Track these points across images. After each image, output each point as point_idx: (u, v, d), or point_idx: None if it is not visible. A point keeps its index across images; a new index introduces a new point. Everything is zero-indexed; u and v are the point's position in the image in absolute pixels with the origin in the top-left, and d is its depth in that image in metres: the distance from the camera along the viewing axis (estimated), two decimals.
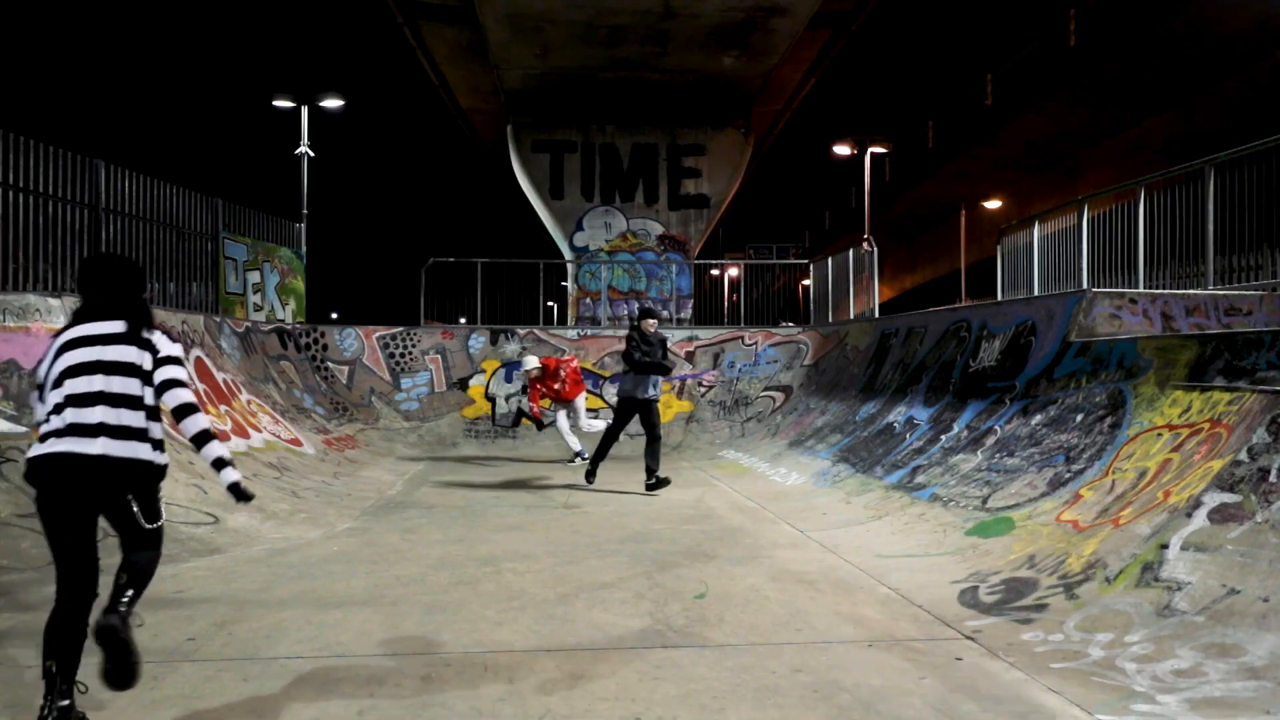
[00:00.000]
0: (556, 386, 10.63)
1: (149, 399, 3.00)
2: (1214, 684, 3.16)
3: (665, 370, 8.79)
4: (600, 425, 10.49)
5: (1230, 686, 3.12)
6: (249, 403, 9.90)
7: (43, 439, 2.95)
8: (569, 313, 20.89)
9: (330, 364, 12.91)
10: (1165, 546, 3.99)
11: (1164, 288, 8.01)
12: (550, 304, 22.63)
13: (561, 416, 10.79)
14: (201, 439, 3.05)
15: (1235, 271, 7.78)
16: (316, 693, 3.33)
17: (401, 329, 13.53)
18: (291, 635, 4.03)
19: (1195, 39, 18.90)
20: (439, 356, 13.43)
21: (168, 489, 5.90)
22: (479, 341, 13.55)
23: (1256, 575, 3.55)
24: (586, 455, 10.72)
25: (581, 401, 10.81)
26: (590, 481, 8.98)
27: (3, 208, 7.87)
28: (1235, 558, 3.70)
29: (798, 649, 3.86)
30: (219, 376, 9.68)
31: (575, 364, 10.96)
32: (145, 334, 3.05)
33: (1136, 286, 8.22)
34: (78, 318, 3.09)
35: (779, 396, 13.42)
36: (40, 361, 3.09)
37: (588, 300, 20.05)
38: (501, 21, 16.47)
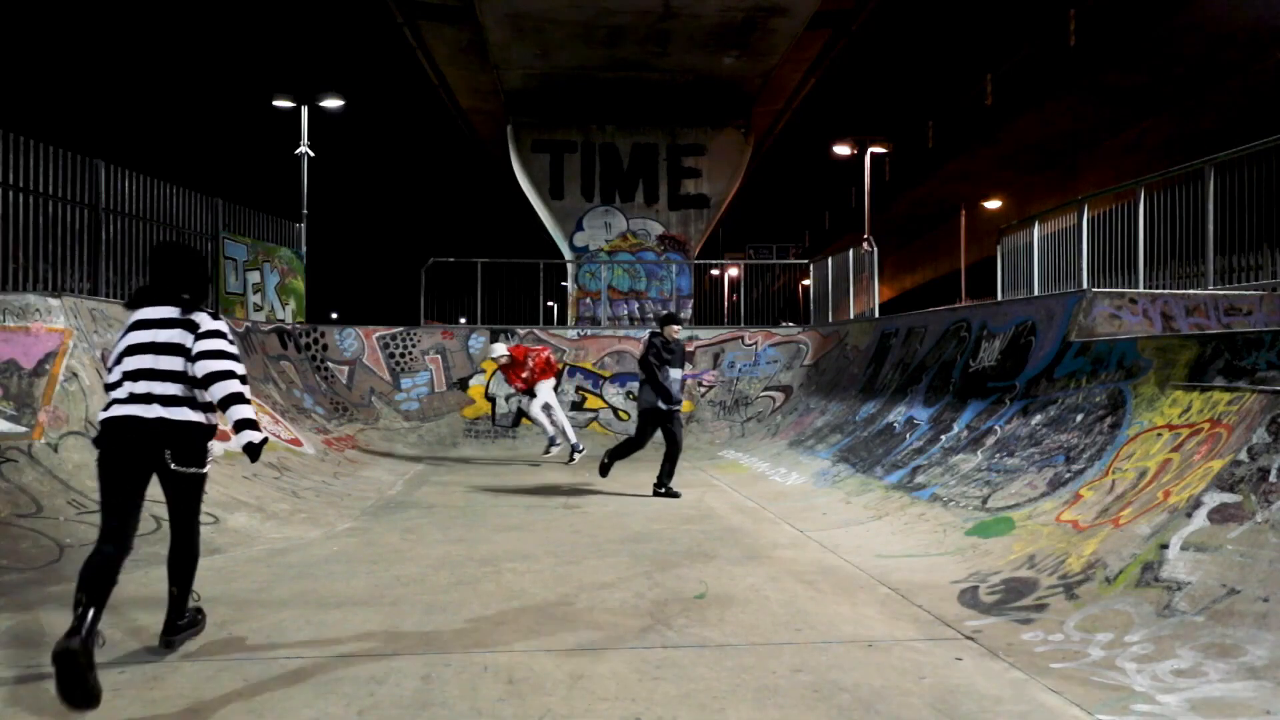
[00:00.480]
0: (525, 375, 10.61)
1: (191, 373, 3.53)
2: (1214, 684, 3.16)
3: (670, 400, 8.27)
4: (556, 422, 10.62)
5: (1230, 686, 3.12)
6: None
7: (107, 406, 3.54)
8: (569, 313, 20.90)
9: (330, 364, 12.91)
10: (1165, 546, 3.99)
11: (1164, 288, 8.01)
12: (550, 304, 22.63)
13: (536, 410, 10.69)
14: (226, 401, 3.55)
15: (1235, 271, 7.78)
16: (316, 693, 3.33)
17: (401, 329, 13.53)
18: (291, 635, 4.03)
19: (1195, 39, 18.91)
20: (439, 356, 13.43)
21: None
22: (479, 341, 13.55)
23: (1256, 575, 3.55)
24: (582, 448, 10.79)
25: (543, 389, 10.66)
26: (604, 475, 8.87)
27: (3, 208, 7.88)
28: (1235, 558, 3.70)
29: (798, 649, 3.86)
30: None
31: (547, 353, 10.82)
32: (192, 316, 3.55)
33: (1136, 286, 8.23)
34: (140, 299, 3.63)
35: (779, 396, 13.42)
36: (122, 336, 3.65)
37: (588, 300, 20.05)
38: (501, 21, 16.47)
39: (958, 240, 32.87)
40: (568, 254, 20.71)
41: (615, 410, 13.38)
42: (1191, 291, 7.68)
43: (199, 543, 3.81)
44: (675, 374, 8.36)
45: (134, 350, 3.54)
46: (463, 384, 13.34)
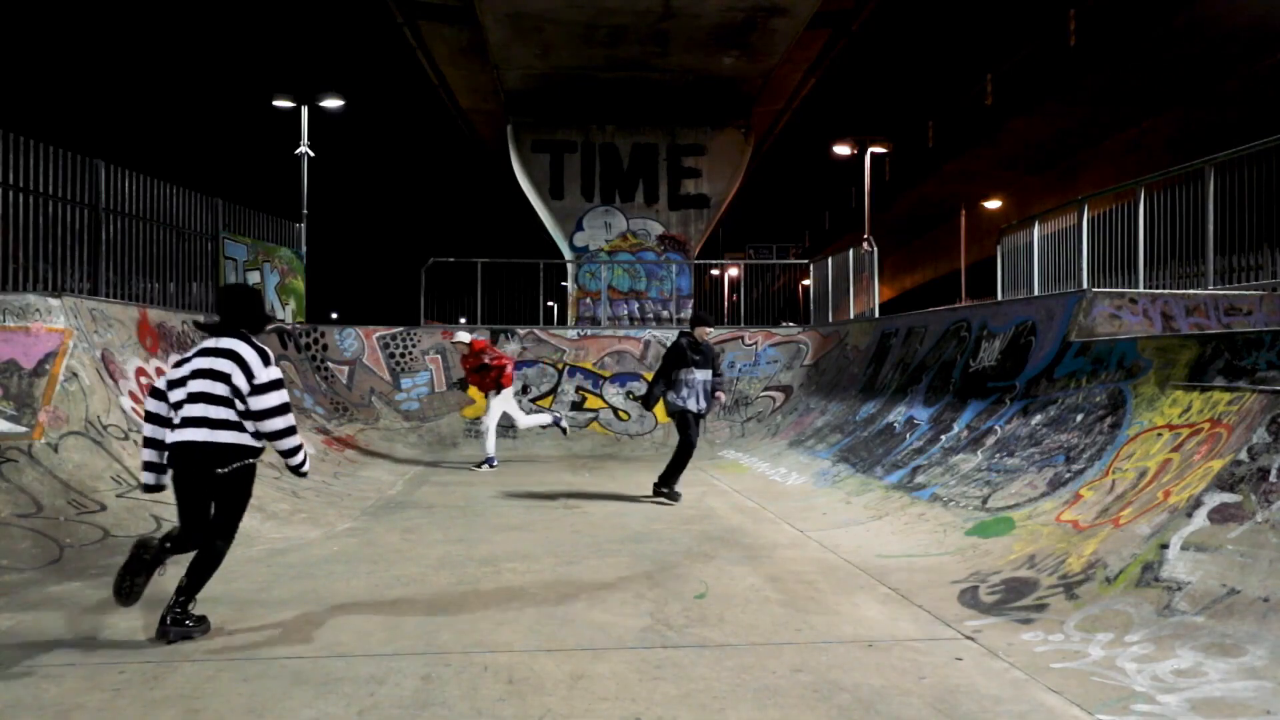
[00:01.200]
0: (476, 372, 10.49)
1: (238, 403, 3.99)
2: (1214, 684, 3.16)
3: (690, 418, 7.97)
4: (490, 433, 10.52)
5: (1230, 686, 3.12)
6: None
7: (174, 427, 4.00)
8: (569, 313, 20.89)
9: (330, 364, 12.90)
10: (1165, 546, 3.99)
11: (1164, 288, 8.01)
12: (550, 304, 22.63)
13: (491, 418, 10.56)
14: (275, 436, 4.12)
15: (1235, 271, 7.78)
16: (316, 693, 3.33)
17: (401, 329, 13.52)
18: (291, 635, 4.03)
19: (1195, 39, 18.91)
20: (439, 356, 13.43)
21: (168, 489, 5.84)
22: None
23: (1257, 575, 3.55)
24: (495, 463, 10.51)
25: (497, 401, 10.49)
26: (674, 499, 8.03)
27: (3, 208, 7.87)
28: (1235, 558, 3.70)
29: (798, 649, 3.86)
30: None
31: (509, 368, 10.57)
32: (244, 354, 4.03)
33: (1136, 286, 8.22)
34: (210, 331, 4.19)
35: (779, 396, 13.42)
36: (178, 364, 4.11)
37: (588, 300, 20.04)
38: (501, 21, 16.46)
39: (958, 240, 32.87)
40: (568, 254, 20.71)
41: (615, 410, 13.38)
42: (1191, 291, 7.68)
43: (228, 546, 4.16)
44: (701, 376, 8.02)
45: (195, 375, 4.02)
46: (463, 384, 13.29)
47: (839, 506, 7.38)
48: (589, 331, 14.34)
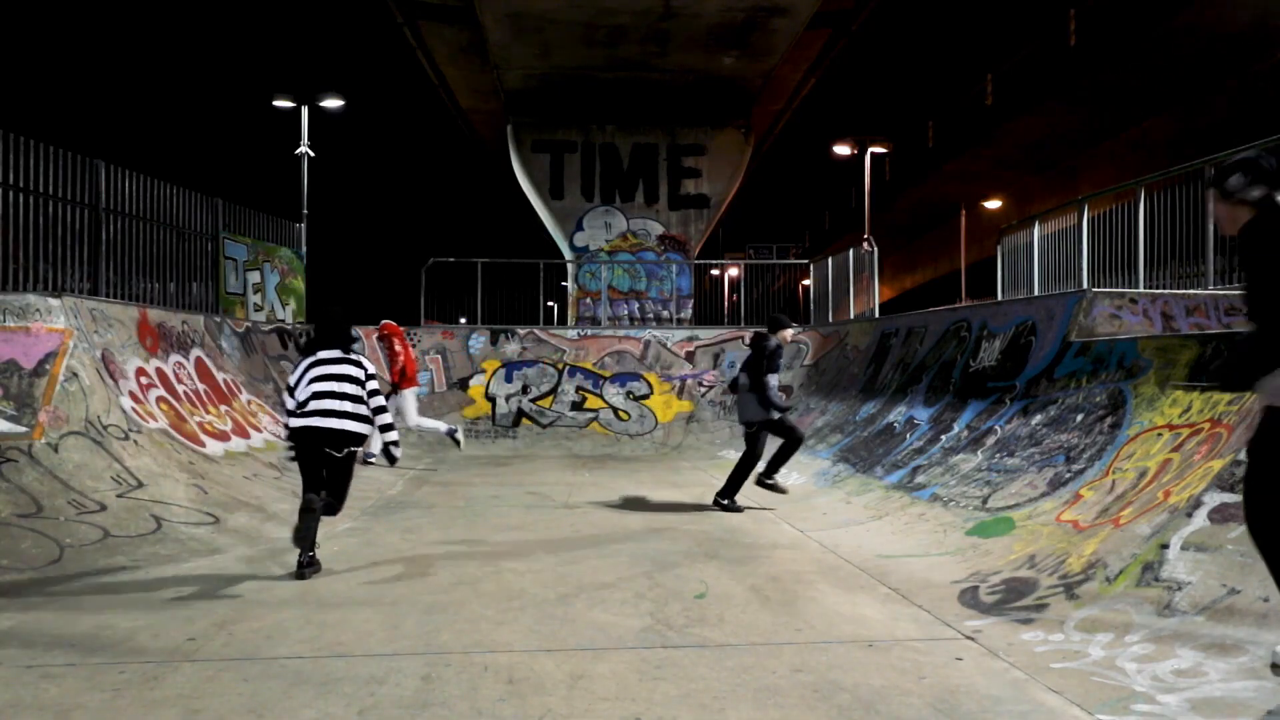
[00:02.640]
0: (387, 362, 10.48)
1: (357, 395, 5.28)
2: (1214, 684, 3.16)
3: (779, 408, 7.57)
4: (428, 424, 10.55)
5: (1230, 686, 3.12)
6: (249, 403, 9.91)
7: (299, 416, 5.20)
8: (569, 313, 20.89)
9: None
10: (1165, 546, 3.99)
11: (1164, 288, 8.01)
12: (550, 304, 22.62)
13: (408, 409, 10.48)
14: (385, 429, 5.46)
15: (1235, 271, 7.77)
16: (316, 693, 3.33)
17: (401, 329, 13.51)
18: (291, 635, 4.02)
19: (1195, 39, 18.90)
20: (439, 356, 13.43)
21: (168, 489, 5.90)
22: (479, 341, 13.55)
23: (1257, 575, 3.55)
24: (373, 459, 9.87)
25: (408, 394, 10.45)
26: (735, 509, 7.54)
27: (3, 208, 7.87)
28: (1236, 558, 3.70)
29: (798, 649, 3.86)
30: (219, 376, 9.68)
31: (411, 373, 10.52)
32: (353, 358, 5.40)
33: (1136, 286, 8.22)
34: (314, 345, 5.51)
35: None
36: (295, 370, 5.43)
37: (588, 300, 20.04)
38: (501, 21, 16.47)
39: (958, 240, 32.87)
40: (568, 254, 20.71)
41: (615, 410, 13.38)
42: (1192, 291, 7.68)
43: (344, 504, 5.48)
44: (774, 380, 7.63)
45: (318, 379, 5.28)
46: (463, 384, 13.34)
47: (839, 506, 7.38)
48: (589, 331, 14.34)
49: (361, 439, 5.29)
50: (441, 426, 10.68)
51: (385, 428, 5.45)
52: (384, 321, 10.75)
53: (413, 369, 10.56)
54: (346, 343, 5.49)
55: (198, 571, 5.26)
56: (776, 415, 7.59)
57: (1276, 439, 3.05)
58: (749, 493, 7.87)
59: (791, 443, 7.74)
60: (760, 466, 7.79)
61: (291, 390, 5.31)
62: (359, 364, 5.38)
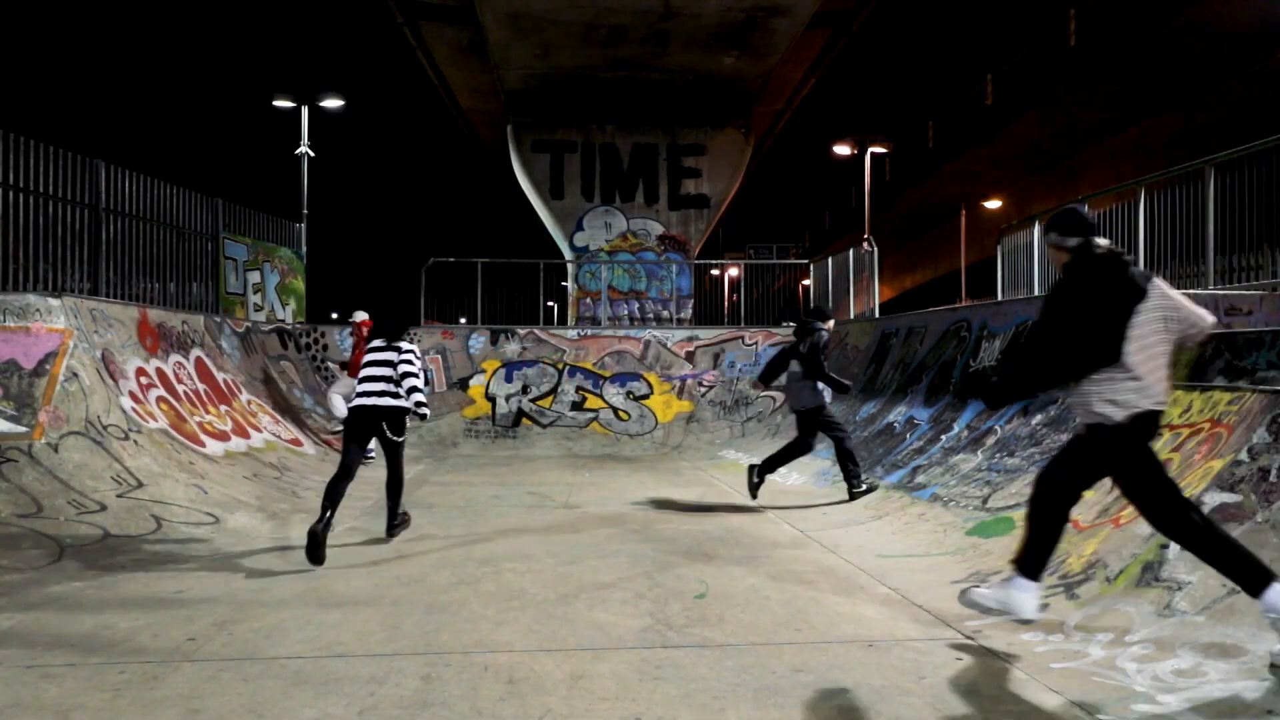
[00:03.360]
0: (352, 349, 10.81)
1: (392, 375, 6.07)
2: (1214, 684, 3.16)
3: (845, 389, 7.76)
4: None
5: (1231, 686, 3.12)
6: (249, 403, 9.91)
7: (358, 397, 6.08)
8: (569, 313, 20.88)
9: (330, 364, 12.89)
10: (1165, 546, 3.99)
11: None
12: (550, 304, 22.62)
13: (342, 392, 10.62)
14: (410, 392, 6.07)
15: (1235, 271, 7.77)
16: (316, 693, 3.33)
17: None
18: (291, 635, 4.02)
19: (1195, 39, 18.90)
20: (439, 356, 13.43)
21: (168, 489, 5.91)
22: (479, 341, 13.55)
23: None
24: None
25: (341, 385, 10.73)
26: (755, 496, 7.75)
27: (3, 208, 7.87)
28: None
29: (798, 649, 3.86)
30: (219, 376, 9.68)
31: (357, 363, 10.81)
32: (398, 344, 6.17)
33: None
34: (373, 335, 6.30)
35: (779, 396, 13.42)
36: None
37: (588, 300, 20.04)
38: (501, 21, 16.46)
39: (958, 240, 32.86)
40: (568, 254, 20.70)
41: (615, 410, 13.38)
42: (1191, 291, 7.67)
43: (403, 475, 6.32)
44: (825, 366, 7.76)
45: (369, 365, 6.14)
46: (463, 384, 13.33)
47: (839, 506, 7.38)
48: (589, 331, 14.34)
49: (403, 411, 6.10)
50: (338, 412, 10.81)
51: (411, 390, 6.10)
52: (365, 318, 10.91)
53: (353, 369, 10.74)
54: (391, 334, 6.24)
55: (198, 571, 5.26)
56: (830, 400, 7.66)
57: (1082, 448, 3.67)
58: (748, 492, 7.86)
59: (804, 447, 7.75)
60: (754, 461, 7.81)
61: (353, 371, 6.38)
62: (397, 349, 6.15)
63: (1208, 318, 3.58)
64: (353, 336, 10.98)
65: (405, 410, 6.10)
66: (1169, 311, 3.51)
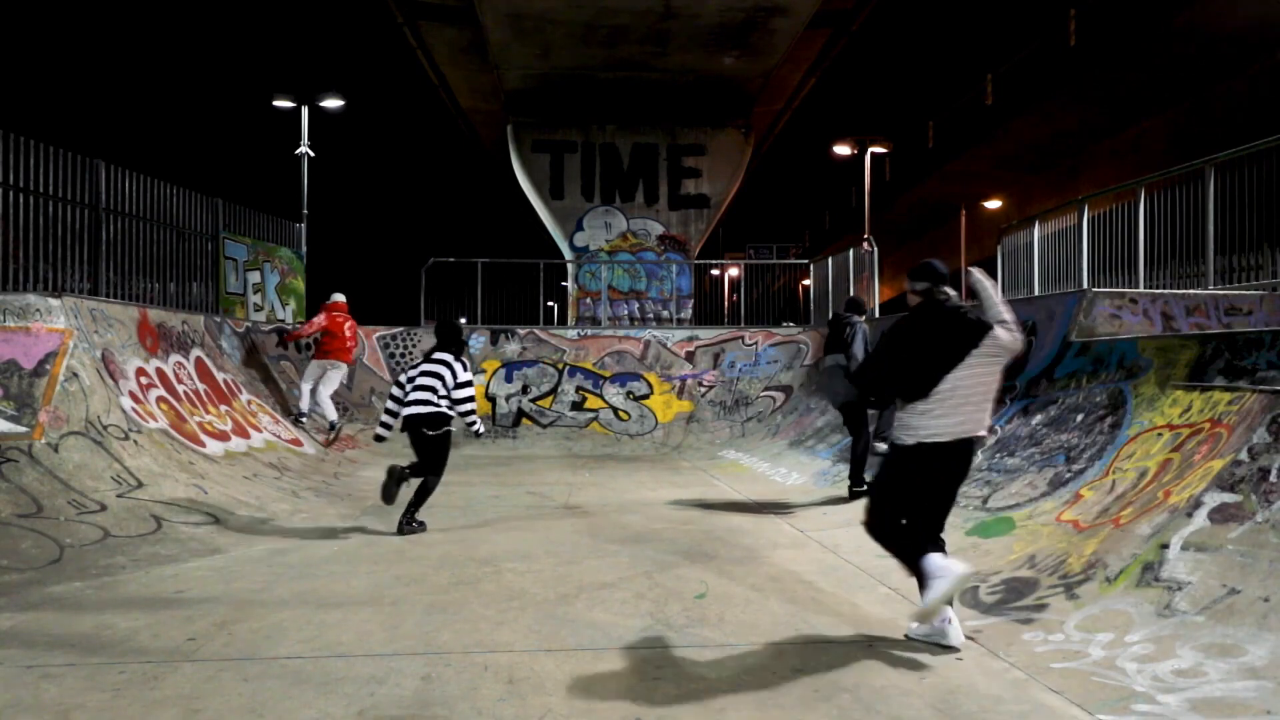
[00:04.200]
0: (334, 338, 10.81)
1: (444, 392, 6.62)
2: (1214, 684, 3.16)
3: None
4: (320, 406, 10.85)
5: (1231, 686, 3.12)
6: (249, 403, 9.91)
7: (405, 406, 6.63)
8: (569, 313, 20.89)
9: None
10: (1166, 546, 3.99)
11: (1164, 288, 8.01)
12: (550, 304, 22.62)
13: (311, 377, 10.88)
14: (465, 415, 6.78)
15: (1235, 271, 7.78)
16: (316, 693, 3.33)
17: (401, 329, 13.52)
18: (291, 635, 4.02)
19: (1195, 39, 18.89)
20: None
21: (168, 489, 5.91)
22: (479, 341, 13.55)
23: (1257, 575, 3.55)
24: (304, 419, 10.82)
25: (337, 372, 10.95)
26: (865, 489, 7.20)
27: (3, 208, 7.87)
28: (1236, 558, 3.70)
29: (798, 649, 3.86)
30: (219, 376, 9.68)
31: (351, 343, 11.07)
32: (452, 362, 6.72)
33: (1136, 286, 8.22)
34: (432, 350, 6.83)
35: (779, 396, 13.42)
36: (410, 369, 6.82)
37: (588, 300, 20.04)
38: (501, 21, 16.47)
39: (958, 240, 32.84)
40: (568, 254, 20.71)
41: (615, 410, 13.38)
42: (1191, 291, 7.68)
43: (434, 484, 6.73)
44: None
45: (422, 375, 6.67)
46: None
47: (839, 506, 7.38)
48: (589, 331, 14.33)
49: (447, 417, 6.65)
50: (304, 403, 10.94)
51: (465, 414, 6.76)
52: (341, 300, 11.20)
53: (339, 346, 10.95)
54: (453, 345, 6.82)
55: (198, 571, 5.26)
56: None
57: (892, 464, 4.12)
58: (750, 491, 7.87)
59: (863, 441, 7.59)
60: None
61: (401, 385, 6.76)
62: (449, 365, 6.70)
63: (1018, 344, 4.04)
64: (322, 314, 11.00)
65: (443, 416, 6.61)
66: (997, 352, 3.95)
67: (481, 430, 6.86)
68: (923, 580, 3.84)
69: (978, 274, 4.21)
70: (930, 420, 3.89)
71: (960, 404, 3.88)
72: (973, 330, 3.93)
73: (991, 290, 4.12)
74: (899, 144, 32.22)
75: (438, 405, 6.56)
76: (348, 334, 10.88)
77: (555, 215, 20.69)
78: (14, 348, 6.61)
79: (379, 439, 7.07)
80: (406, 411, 6.60)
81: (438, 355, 6.76)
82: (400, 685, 3.40)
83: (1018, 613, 4.16)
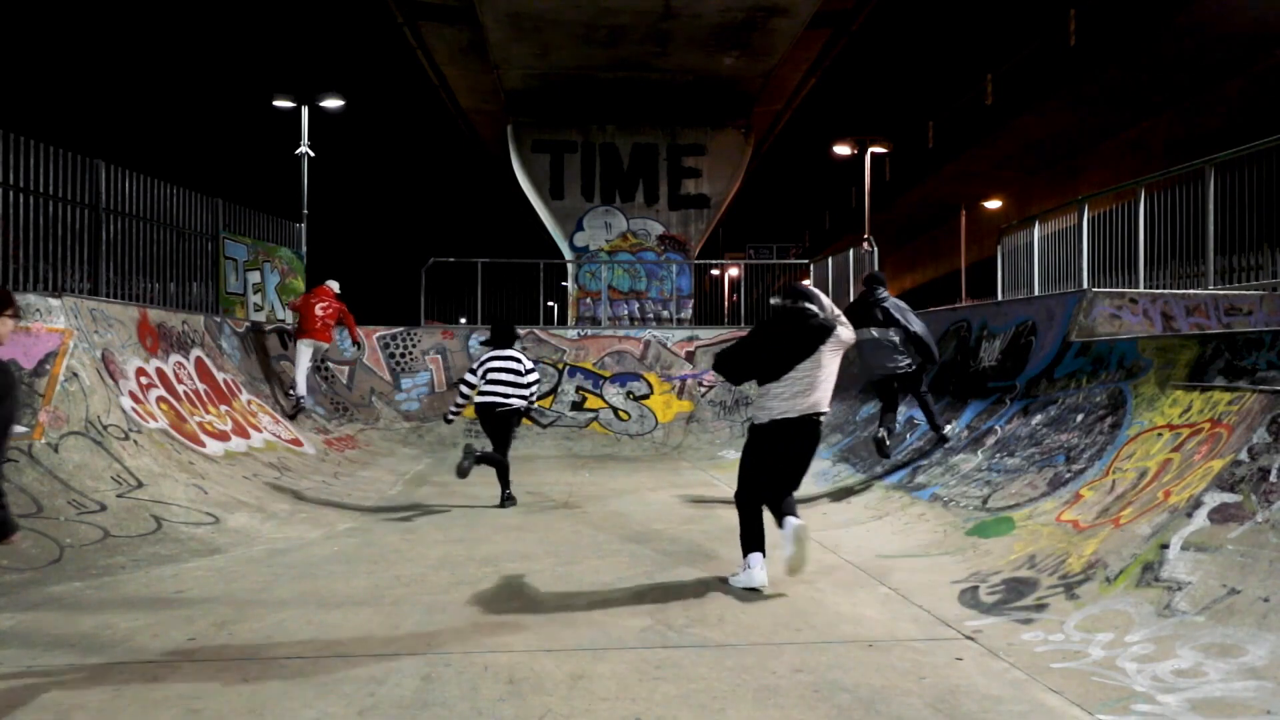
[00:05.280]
0: (304, 319, 11.23)
1: (519, 381, 7.75)
2: (1214, 684, 3.16)
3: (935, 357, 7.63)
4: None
5: (1230, 686, 3.12)
6: (249, 403, 9.91)
7: (481, 394, 7.70)
8: (569, 313, 20.88)
9: (330, 364, 12.90)
10: (1166, 546, 3.99)
11: (1164, 288, 8.01)
12: (550, 304, 22.61)
13: (303, 358, 11.26)
14: (537, 399, 8.09)
15: (1235, 271, 7.78)
16: (316, 693, 3.33)
17: (402, 329, 13.52)
18: (291, 635, 4.02)
19: (1195, 39, 18.89)
20: (439, 356, 13.43)
21: (168, 489, 5.93)
22: (479, 341, 13.55)
23: (1257, 575, 3.55)
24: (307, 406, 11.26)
25: (307, 349, 11.33)
26: (885, 449, 7.71)
27: (3, 208, 7.87)
28: (1235, 558, 3.70)
29: (798, 649, 3.86)
30: (219, 376, 9.68)
31: (321, 324, 11.36)
32: (520, 358, 7.84)
33: (1136, 286, 8.22)
34: (491, 346, 7.97)
35: None
36: (477, 365, 7.84)
37: (588, 300, 20.03)
38: (501, 21, 16.46)
39: (958, 240, 32.84)
40: (568, 254, 20.70)
41: (615, 410, 13.38)
42: (1192, 291, 7.68)
43: (508, 457, 7.83)
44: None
45: (494, 370, 7.72)
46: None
47: (839, 506, 7.38)
48: (589, 331, 14.33)
49: (521, 411, 7.81)
50: (301, 387, 11.23)
51: (538, 399, 7.93)
52: (334, 288, 11.61)
53: (309, 326, 11.29)
54: (511, 342, 7.92)
55: (198, 571, 5.26)
56: (911, 368, 7.50)
57: (750, 443, 5.06)
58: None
59: (892, 405, 7.82)
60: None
61: (474, 372, 7.72)
62: (519, 360, 7.81)
63: (853, 338, 5.05)
64: (313, 297, 11.43)
65: (521, 411, 7.83)
66: (840, 346, 4.88)
67: (538, 416, 7.86)
68: (748, 551, 4.92)
69: (810, 287, 5.23)
70: (781, 403, 4.78)
71: (806, 389, 4.76)
72: (822, 329, 4.83)
73: (825, 299, 5.04)
74: (899, 144, 32.21)
75: (517, 394, 7.64)
76: (318, 314, 11.29)
77: (555, 215, 20.69)
78: (14, 348, 6.61)
79: (448, 420, 8.17)
80: (486, 400, 7.60)
81: (506, 352, 7.77)
82: (400, 685, 3.40)
83: (1018, 613, 4.16)
